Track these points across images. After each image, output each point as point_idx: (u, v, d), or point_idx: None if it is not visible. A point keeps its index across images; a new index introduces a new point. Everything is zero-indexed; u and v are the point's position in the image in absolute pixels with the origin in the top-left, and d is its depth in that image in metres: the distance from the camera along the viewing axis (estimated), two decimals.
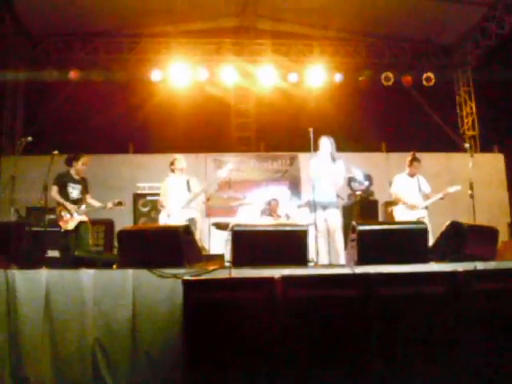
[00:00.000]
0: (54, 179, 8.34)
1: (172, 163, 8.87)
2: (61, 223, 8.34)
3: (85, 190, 8.69)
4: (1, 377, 5.16)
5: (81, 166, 8.63)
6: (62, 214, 8.33)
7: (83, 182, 8.72)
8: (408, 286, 4.76)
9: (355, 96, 13.84)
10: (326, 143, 8.14)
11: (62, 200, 8.38)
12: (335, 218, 8.06)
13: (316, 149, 8.06)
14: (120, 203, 8.57)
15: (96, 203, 8.69)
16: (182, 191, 8.61)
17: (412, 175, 9.14)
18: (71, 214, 8.38)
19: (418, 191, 9.03)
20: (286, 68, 13.70)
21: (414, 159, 9.19)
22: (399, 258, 5.54)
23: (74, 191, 8.54)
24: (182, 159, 8.88)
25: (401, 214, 8.94)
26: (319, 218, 7.73)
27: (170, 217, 8.45)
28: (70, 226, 8.36)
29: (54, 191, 8.37)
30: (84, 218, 8.54)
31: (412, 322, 4.63)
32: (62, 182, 8.49)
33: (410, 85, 13.76)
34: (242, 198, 10.98)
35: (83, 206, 8.52)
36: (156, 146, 13.17)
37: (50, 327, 5.29)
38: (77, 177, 8.64)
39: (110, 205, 8.57)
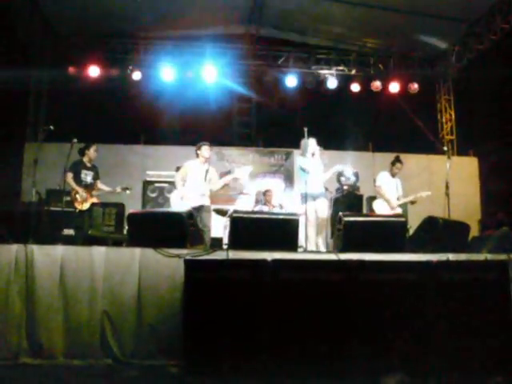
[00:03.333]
0: (69, 167, 8.37)
1: (199, 148, 8.41)
2: (75, 204, 8.42)
3: (96, 176, 8.79)
4: (18, 341, 5.18)
5: (92, 152, 8.75)
6: (77, 196, 8.42)
7: (94, 169, 8.87)
8: (387, 272, 4.79)
9: (346, 100, 13.85)
10: (314, 143, 8.21)
11: (75, 186, 8.46)
12: (324, 207, 8.08)
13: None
14: (127, 188, 8.77)
15: (106, 187, 8.88)
16: (200, 179, 8.29)
17: (393, 175, 9.12)
18: (84, 197, 8.45)
19: (396, 191, 9.03)
20: (286, 72, 13.69)
21: (398, 161, 9.16)
22: (380, 248, 5.55)
23: (87, 177, 8.67)
24: (208, 148, 8.42)
25: (381, 208, 8.94)
26: (310, 209, 7.74)
27: (183, 199, 8.22)
28: (84, 206, 8.45)
29: (69, 177, 8.44)
30: (96, 201, 8.64)
31: (389, 304, 4.65)
32: (76, 169, 8.60)
33: (396, 91, 13.75)
34: (240, 188, 10.98)
35: (95, 190, 8.69)
36: (165, 138, 13.17)
37: (63, 298, 5.30)
38: (89, 164, 8.75)
39: (118, 189, 8.77)
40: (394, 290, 4.71)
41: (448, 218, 7.71)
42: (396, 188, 9.04)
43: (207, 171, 8.40)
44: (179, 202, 8.22)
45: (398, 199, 8.95)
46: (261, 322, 4.52)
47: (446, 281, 4.76)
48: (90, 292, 5.33)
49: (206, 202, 8.29)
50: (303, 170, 8.03)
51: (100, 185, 8.86)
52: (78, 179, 8.56)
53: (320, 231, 7.94)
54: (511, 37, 11.24)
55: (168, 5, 11.65)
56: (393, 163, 9.12)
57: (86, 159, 8.76)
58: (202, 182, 8.30)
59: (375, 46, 13.75)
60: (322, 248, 7.82)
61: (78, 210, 8.42)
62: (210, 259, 5.29)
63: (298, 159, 8.40)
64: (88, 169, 8.75)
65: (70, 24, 12.21)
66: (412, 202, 8.99)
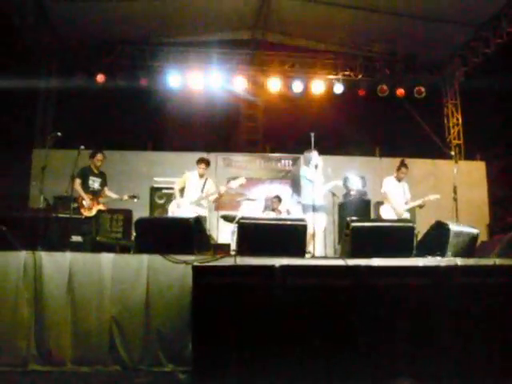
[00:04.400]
0: (77, 173, 8.44)
1: (196, 164, 8.73)
2: (82, 210, 8.46)
3: (104, 183, 8.82)
4: (26, 347, 5.20)
5: (96, 161, 8.80)
6: (83, 202, 8.46)
7: (102, 176, 8.91)
8: (395, 277, 4.76)
9: (353, 105, 13.84)
10: (316, 156, 8.34)
11: (82, 192, 8.53)
12: (322, 220, 8.33)
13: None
14: (134, 196, 8.81)
15: (113, 195, 8.94)
16: (197, 189, 8.58)
17: (399, 180, 9.08)
18: (89, 204, 8.48)
19: (403, 195, 9.00)
20: (292, 78, 13.69)
21: (403, 165, 9.13)
22: (388, 253, 5.54)
23: (95, 183, 8.73)
24: (203, 167, 8.68)
25: (388, 213, 8.92)
26: (310, 219, 7.80)
27: (180, 208, 8.43)
28: (90, 213, 8.48)
29: (77, 184, 8.54)
30: (102, 207, 8.66)
31: (397, 309, 4.63)
32: (84, 176, 8.68)
33: (403, 96, 13.72)
34: (247, 194, 11.03)
35: (102, 197, 8.74)
36: (172, 145, 13.21)
37: (71, 304, 5.32)
38: (96, 171, 8.79)
39: (125, 197, 8.86)
40: (402, 295, 4.69)
41: (456, 223, 7.69)
42: (403, 192, 9.01)
43: (205, 183, 8.66)
44: (176, 211, 8.37)
45: (406, 203, 8.92)
46: (269, 327, 4.51)
47: (454, 286, 4.74)
48: (99, 298, 5.34)
49: (202, 212, 8.48)
50: (308, 179, 8.24)
51: (107, 192, 8.90)
52: (85, 185, 8.62)
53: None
54: None
55: (175, 11, 11.69)
56: (398, 168, 9.09)
57: (92, 166, 8.81)
58: (198, 192, 8.55)
59: (382, 50, 13.73)
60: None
61: (84, 217, 8.46)
62: (218, 265, 5.29)
63: (302, 169, 8.57)
64: (95, 175, 8.79)
65: (78, 30, 12.25)
66: (420, 206, 8.94)
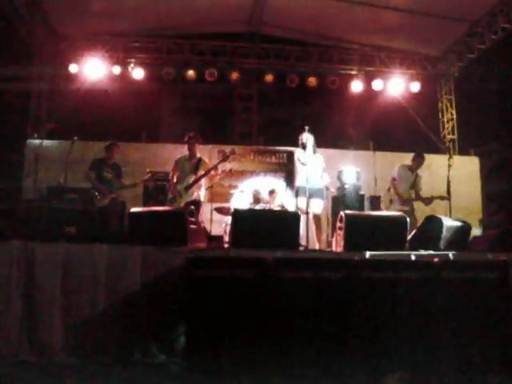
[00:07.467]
0: (90, 164, 8.64)
1: (186, 140, 8.61)
2: (95, 202, 8.45)
3: (118, 175, 8.94)
4: (18, 339, 5.17)
5: (109, 152, 8.89)
6: (96, 193, 8.48)
7: (116, 167, 8.96)
8: (388, 271, 4.78)
9: (347, 99, 13.84)
10: (309, 137, 8.22)
11: (94, 183, 8.58)
12: (319, 204, 8.21)
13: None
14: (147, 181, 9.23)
15: (127, 183, 9.02)
16: (190, 171, 8.41)
17: (412, 170, 9.18)
18: (103, 194, 8.49)
19: (411, 184, 9.07)
20: (287, 71, 13.67)
21: (418, 156, 9.26)
22: (381, 246, 5.55)
23: (108, 175, 8.73)
24: (192, 142, 8.51)
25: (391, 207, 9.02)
26: (304, 203, 7.77)
27: (181, 197, 8.32)
28: (103, 203, 8.49)
29: (90, 174, 8.62)
30: (115, 196, 8.74)
31: (390, 303, 4.64)
32: (98, 167, 8.74)
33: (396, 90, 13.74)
34: (240, 186, 11.04)
35: (115, 186, 8.77)
36: (166, 136, 13.17)
37: (63, 295, 5.29)
38: (110, 162, 8.79)
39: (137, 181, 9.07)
40: (395, 289, 4.71)
41: (449, 217, 7.71)
42: (413, 182, 9.09)
43: (198, 163, 8.44)
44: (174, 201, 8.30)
45: (416, 196, 8.99)
46: (262, 320, 4.51)
47: (446, 280, 4.76)
48: (91, 290, 5.32)
49: (198, 196, 8.34)
50: (302, 162, 8.14)
51: (124, 183, 9.01)
52: (99, 176, 8.69)
53: (317, 226, 8.08)
54: None
55: (169, 3, 11.64)
56: (413, 158, 9.24)
57: (107, 157, 8.92)
58: (191, 175, 8.33)
59: (377, 44, 13.73)
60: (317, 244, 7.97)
61: (97, 207, 8.46)
62: (211, 257, 5.29)
63: (297, 152, 8.50)
64: (109, 166, 8.86)
65: (71, 22, 12.20)
66: (427, 201, 8.94)
